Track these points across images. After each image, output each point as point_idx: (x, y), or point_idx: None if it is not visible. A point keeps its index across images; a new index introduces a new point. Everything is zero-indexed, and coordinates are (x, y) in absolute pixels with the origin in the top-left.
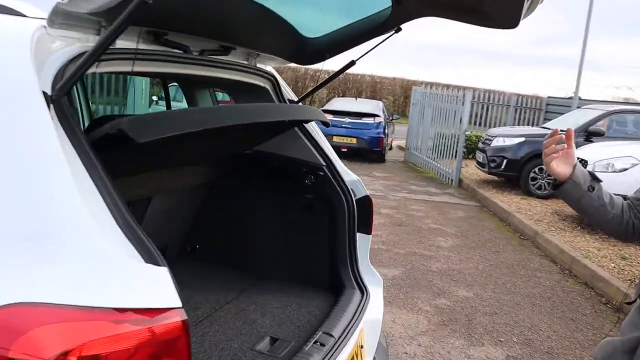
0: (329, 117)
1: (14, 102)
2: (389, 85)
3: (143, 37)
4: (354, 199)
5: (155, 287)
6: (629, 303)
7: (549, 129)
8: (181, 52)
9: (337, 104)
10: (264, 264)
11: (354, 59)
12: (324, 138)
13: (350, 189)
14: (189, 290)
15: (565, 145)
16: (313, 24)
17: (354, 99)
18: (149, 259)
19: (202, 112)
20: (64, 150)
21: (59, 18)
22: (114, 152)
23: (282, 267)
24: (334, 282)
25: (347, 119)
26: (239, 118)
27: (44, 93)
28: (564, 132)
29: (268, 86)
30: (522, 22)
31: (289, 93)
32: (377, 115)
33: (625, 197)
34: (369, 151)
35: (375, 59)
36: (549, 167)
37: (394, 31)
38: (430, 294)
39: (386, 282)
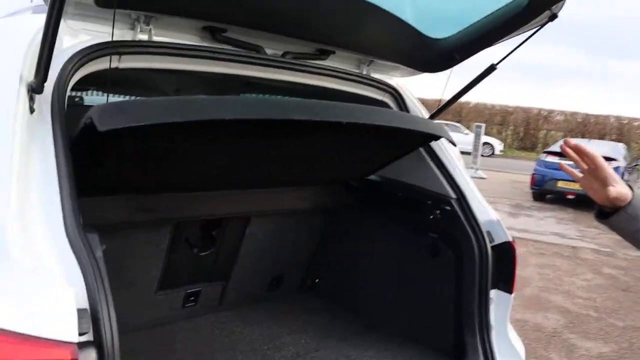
0: (554, 160)
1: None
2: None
3: (199, 34)
4: (488, 245)
5: (47, 311)
6: None
7: None
8: (254, 52)
9: None
10: (377, 310)
11: (494, 63)
12: (457, 163)
13: (485, 232)
14: (282, 330)
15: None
16: (437, 21)
17: (588, 140)
18: (78, 276)
19: (204, 101)
20: (23, 146)
21: (70, 8)
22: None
23: (396, 318)
24: (455, 349)
25: None
26: (266, 112)
27: (29, 86)
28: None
29: (388, 100)
30: None
31: (420, 111)
32: (614, 159)
33: None
34: None
35: (627, 97)
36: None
37: (547, 19)
38: None
39: None
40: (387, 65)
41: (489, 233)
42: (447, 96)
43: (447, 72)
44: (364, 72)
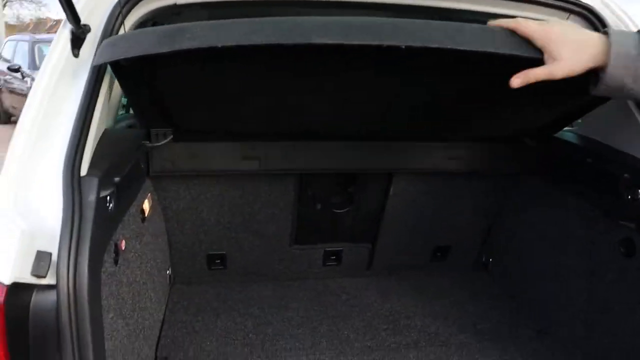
0: None
1: None
2: None
3: None
4: None
5: None
6: None
7: None
8: None
9: None
10: (552, 310)
11: None
12: None
13: None
14: (418, 310)
15: None
16: None
17: None
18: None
19: (206, 26)
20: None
21: None
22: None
23: (572, 329)
24: None
25: None
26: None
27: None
28: None
29: None
30: None
31: None
32: None
33: None
34: None
35: None
36: None
37: None
38: None
39: None
40: None
41: None
42: None
43: None
44: None
